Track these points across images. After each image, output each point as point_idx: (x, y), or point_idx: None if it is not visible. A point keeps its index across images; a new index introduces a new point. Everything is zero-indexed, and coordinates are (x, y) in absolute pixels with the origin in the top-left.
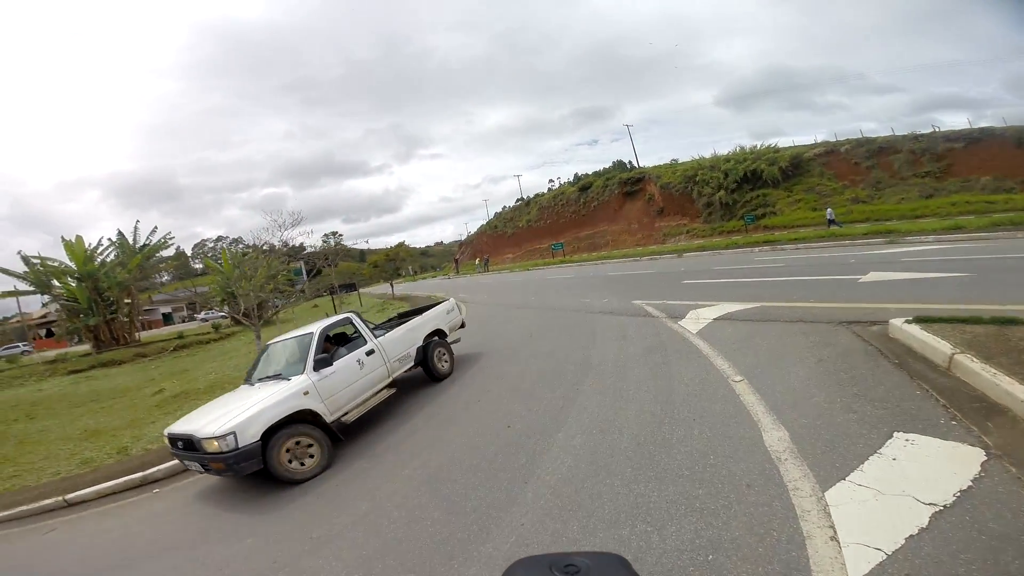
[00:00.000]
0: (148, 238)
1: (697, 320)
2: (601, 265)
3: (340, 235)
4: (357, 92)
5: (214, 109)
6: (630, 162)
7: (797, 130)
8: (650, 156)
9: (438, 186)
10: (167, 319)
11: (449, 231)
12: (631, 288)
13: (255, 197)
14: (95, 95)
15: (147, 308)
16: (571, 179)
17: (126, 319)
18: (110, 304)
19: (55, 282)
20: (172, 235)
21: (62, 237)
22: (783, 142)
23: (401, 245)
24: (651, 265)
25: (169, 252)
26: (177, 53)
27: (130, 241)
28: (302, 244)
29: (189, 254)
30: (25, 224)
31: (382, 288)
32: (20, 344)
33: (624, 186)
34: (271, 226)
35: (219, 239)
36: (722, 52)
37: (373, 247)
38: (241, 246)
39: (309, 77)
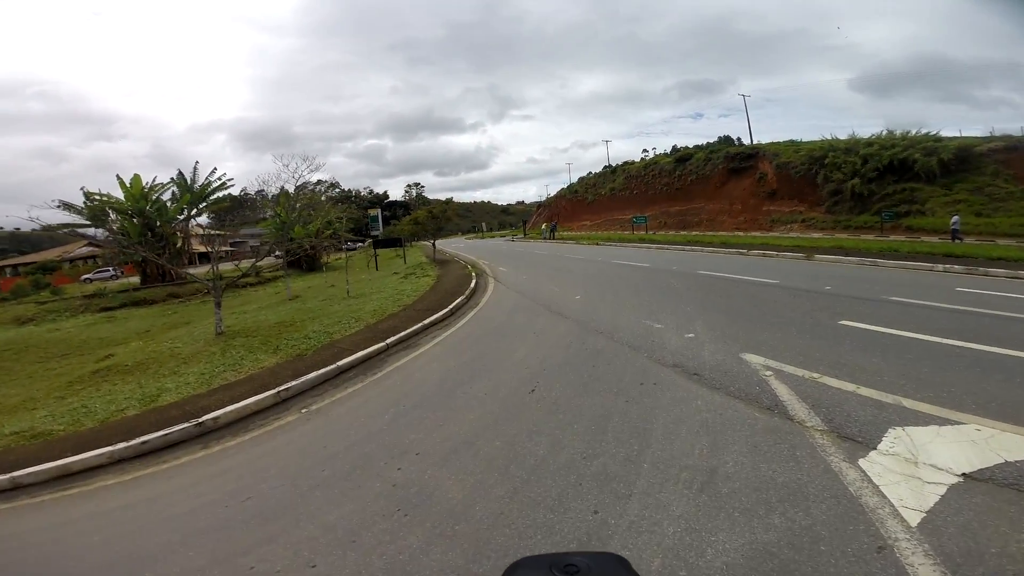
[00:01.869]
0: (208, 178)
1: (913, 470)
2: (691, 252)
3: (422, 186)
4: (457, 52)
5: (329, 65)
6: (739, 139)
7: (948, 124)
8: (762, 135)
9: (526, 147)
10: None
11: (532, 192)
12: (736, 314)
13: (359, 147)
14: (228, 48)
15: (236, 241)
16: (667, 151)
17: (174, 255)
18: (160, 240)
19: (112, 216)
20: (231, 177)
21: (117, 176)
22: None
23: (449, 201)
24: (765, 267)
25: (228, 192)
26: (296, 15)
27: (188, 181)
28: (385, 192)
29: (292, 194)
30: (164, 161)
31: (442, 241)
32: (111, 269)
33: (731, 161)
34: (284, 173)
35: (319, 183)
36: (860, 34)
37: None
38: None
39: (413, 37)
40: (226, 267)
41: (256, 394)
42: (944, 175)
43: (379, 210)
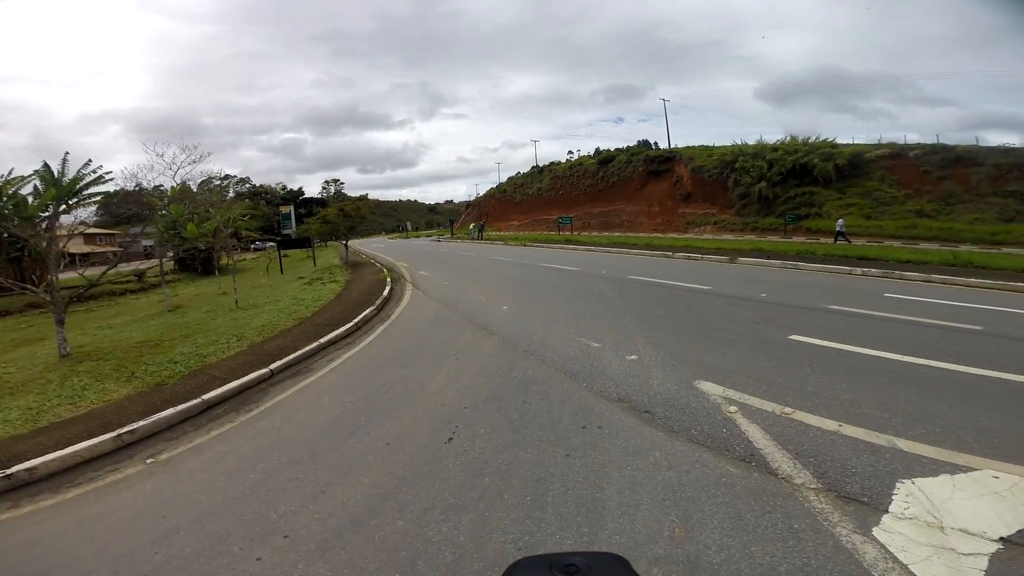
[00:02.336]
0: (81, 171)
1: (942, 538)
2: (618, 255)
3: (341, 183)
4: (388, 47)
5: (243, 54)
6: (655, 143)
7: (834, 133)
8: (679, 140)
9: (456, 146)
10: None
11: (461, 191)
12: (679, 328)
13: (274, 141)
14: (125, 32)
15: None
16: (591, 153)
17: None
18: (13, 242)
19: None
20: (110, 171)
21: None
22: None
23: (363, 199)
24: (694, 271)
25: (104, 188)
26: (211, 1)
27: (57, 174)
28: (300, 188)
29: (195, 190)
30: (46, 154)
31: (361, 241)
32: None
33: (650, 164)
34: (159, 166)
35: (226, 177)
36: (767, 46)
37: (381, 199)
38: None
39: (341, 29)
40: (94, 273)
41: (92, 437)
42: (839, 179)
43: (292, 207)
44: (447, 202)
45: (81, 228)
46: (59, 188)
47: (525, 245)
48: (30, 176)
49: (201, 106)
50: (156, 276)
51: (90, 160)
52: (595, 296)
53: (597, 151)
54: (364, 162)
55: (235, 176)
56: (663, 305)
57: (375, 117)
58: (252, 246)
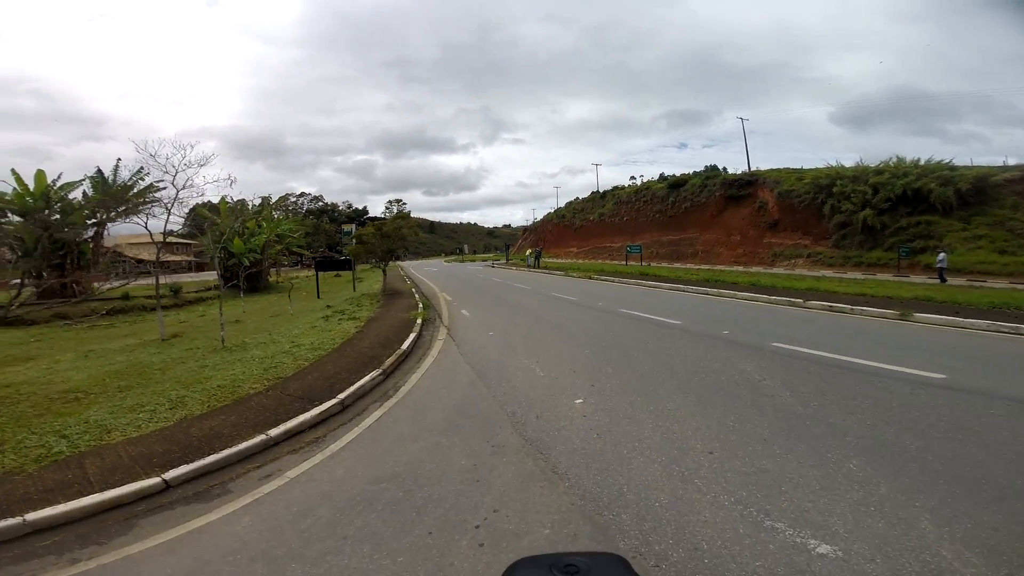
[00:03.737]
0: (134, 179)
1: None
2: (721, 299)
3: (404, 203)
4: (451, 73)
5: (324, 78)
6: (724, 168)
7: (918, 157)
8: (743, 165)
9: (515, 171)
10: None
11: (519, 215)
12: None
13: (348, 162)
14: (226, 57)
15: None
16: (654, 177)
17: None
18: (60, 247)
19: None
20: (161, 180)
21: (12, 170)
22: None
23: (405, 217)
24: (881, 336)
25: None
26: (296, 27)
27: (111, 180)
28: (365, 208)
29: (272, 203)
30: (149, 165)
31: (415, 263)
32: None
33: (728, 188)
34: (149, 162)
35: (302, 195)
36: (838, 67)
37: (444, 221)
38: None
39: (408, 56)
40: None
41: None
42: (961, 207)
43: (354, 225)
44: (505, 226)
45: (159, 237)
46: (109, 194)
47: (591, 278)
48: (79, 181)
49: (286, 127)
50: (193, 292)
51: (142, 167)
52: (741, 387)
53: (662, 176)
54: (429, 184)
55: (310, 194)
56: (916, 430)
57: (440, 141)
58: (312, 262)
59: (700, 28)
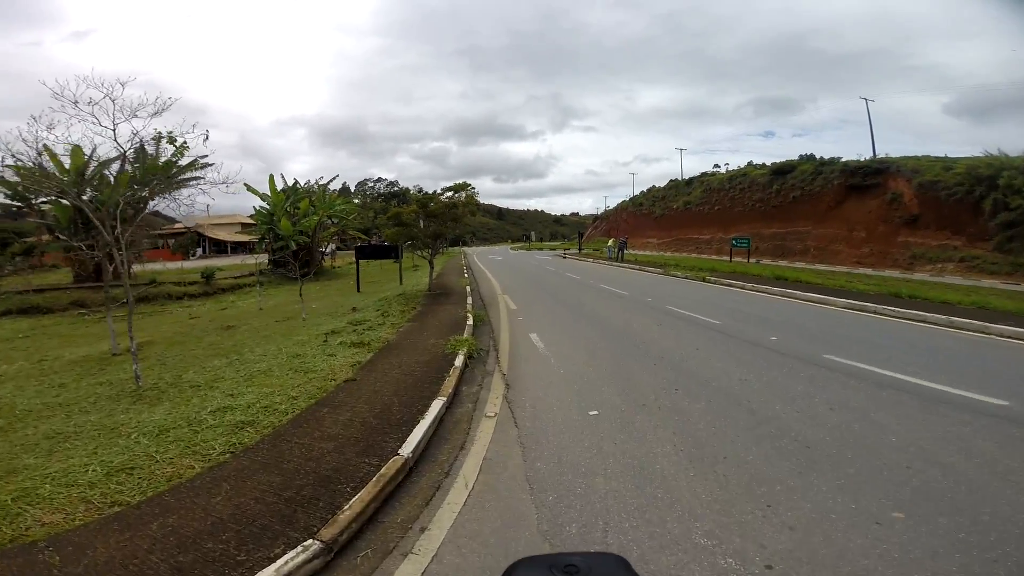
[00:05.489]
0: (176, 156)
1: None
2: (911, 323)
3: (473, 187)
4: (518, 60)
5: (401, 67)
6: (820, 157)
7: None
8: (844, 155)
9: (585, 158)
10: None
11: (587, 203)
12: None
13: (425, 149)
14: (314, 49)
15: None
16: (740, 166)
17: (120, 250)
18: (89, 227)
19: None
20: (206, 154)
21: (44, 146)
22: None
23: (464, 186)
24: None
25: (199, 174)
26: (374, 16)
27: (154, 155)
28: (435, 191)
29: (352, 190)
30: (247, 152)
31: (481, 250)
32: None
33: (849, 177)
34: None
35: (378, 180)
36: (948, 55)
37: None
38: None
39: (478, 44)
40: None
41: None
42: None
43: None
44: (572, 214)
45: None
46: (145, 169)
47: (706, 280)
48: (117, 157)
49: (368, 115)
50: (233, 278)
51: (185, 141)
52: None
53: (750, 164)
54: (499, 171)
55: (386, 179)
56: None
57: (510, 128)
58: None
59: (787, 13)
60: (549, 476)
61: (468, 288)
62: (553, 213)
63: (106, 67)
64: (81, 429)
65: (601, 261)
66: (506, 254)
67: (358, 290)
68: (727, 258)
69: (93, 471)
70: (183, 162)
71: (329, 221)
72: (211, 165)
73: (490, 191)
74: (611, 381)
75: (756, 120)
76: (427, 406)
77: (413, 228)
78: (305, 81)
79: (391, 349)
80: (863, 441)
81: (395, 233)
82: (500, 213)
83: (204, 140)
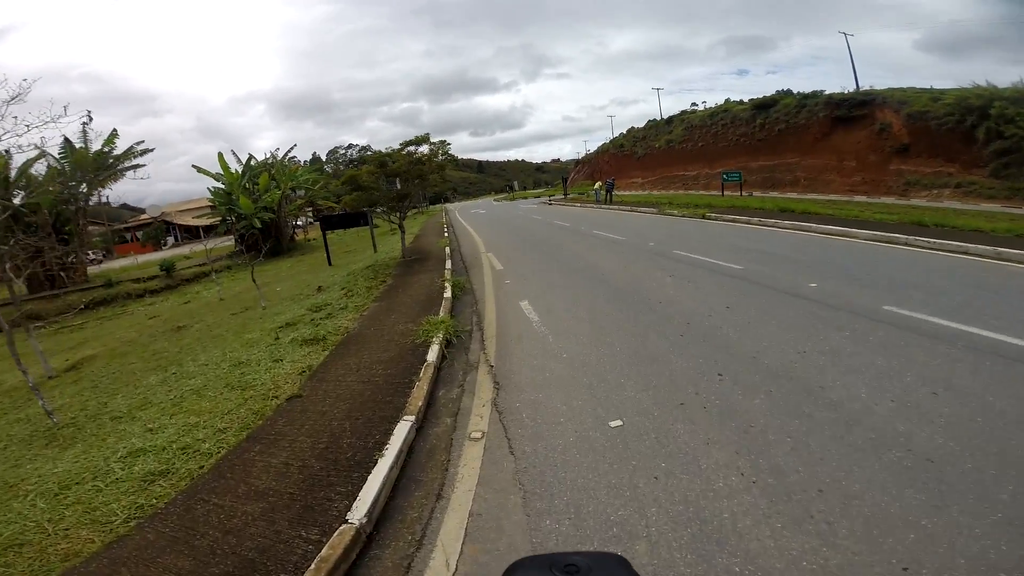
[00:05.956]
0: (107, 145)
1: None
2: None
3: (448, 143)
4: (482, 14)
5: (358, 32)
6: (800, 92)
7: None
8: (819, 89)
9: (561, 105)
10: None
11: (567, 149)
12: None
13: (395, 111)
14: (259, 21)
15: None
16: (718, 104)
17: (60, 255)
18: (32, 232)
19: None
20: (142, 140)
21: None
22: None
23: (428, 141)
24: None
25: (140, 161)
26: None
27: (81, 148)
28: (409, 151)
29: (323, 159)
30: (208, 134)
31: (462, 205)
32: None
33: (835, 109)
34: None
35: (350, 147)
36: None
37: (491, 159)
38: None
39: (437, 2)
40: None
41: None
42: None
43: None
44: (554, 161)
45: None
46: (80, 163)
47: (706, 217)
48: (39, 155)
49: (329, 83)
50: (196, 266)
51: (115, 129)
52: None
53: (728, 101)
54: (475, 126)
55: (358, 145)
56: None
57: (482, 82)
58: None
59: None
60: (566, 545)
61: (447, 250)
62: (534, 162)
63: (36, 63)
64: None
65: (589, 205)
66: (489, 207)
67: (329, 263)
68: (717, 192)
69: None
70: (118, 151)
71: (294, 194)
72: (151, 151)
73: (468, 146)
74: (631, 367)
75: (729, 60)
76: (389, 432)
77: (374, 192)
78: (255, 56)
79: (350, 344)
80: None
81: (355, 199)
82: (480, 166)
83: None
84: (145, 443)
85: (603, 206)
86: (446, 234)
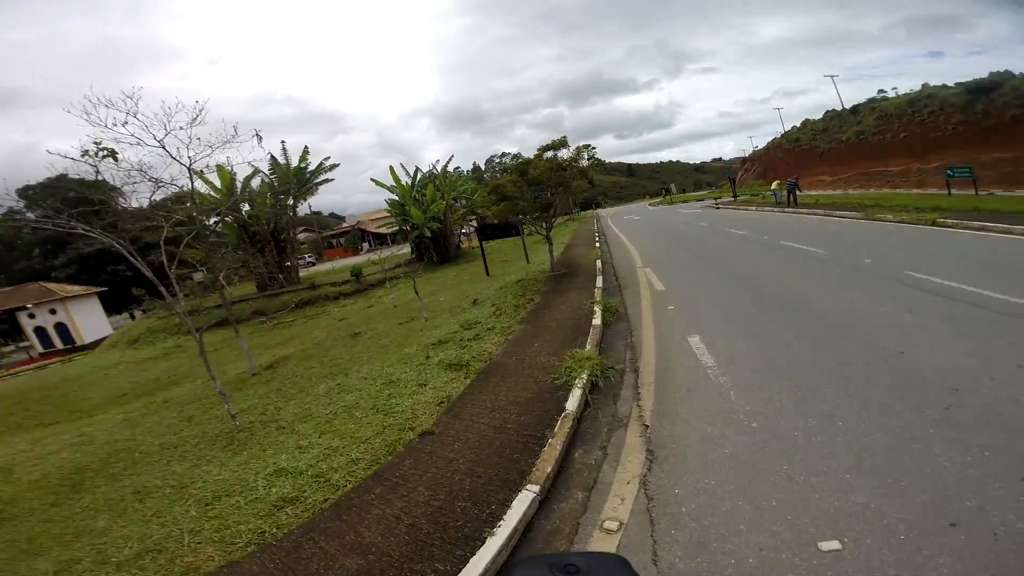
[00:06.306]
0: (303, 162)
1: None
2: None
3: (593, 147)
4: (608, 14)
5: (492, 42)
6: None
7: None
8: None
9: (714, 101)
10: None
11: (729, 147)
12: None
13: (537, 118)
14: (412, 36)
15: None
16: (914, 89)
17: (278, 258)
18: (255, 239)
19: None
20: (327, 156)
21: (189, 169)
22: None
23: (558, 146)
24: None
25: (329, 176)
26: None
27: (285, 165)
28: (554, 156)
29: (483, 168)
30: (387, 148)
31: (615, 211)
32: (308, 257)
33: None
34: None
35: (503, 155)
36: None
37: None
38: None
39: (557, 6)
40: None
41: None
42: None
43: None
44: (715, 160)
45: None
46: (283, 179)
47: (937, 223)
48: (256, 172)
49: (478, 94)
50: (378, 273)
51: (306, 146)
52: None
53: (925, 86)
54: (619, 128)
55: (510, 153)
56: None
57: (619, 82)
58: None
59: None
60: None
61: (598, 263)
62: (691, 162)
63: (241, 90)
64: (164, 483)
65: (767, 208)
66: (644, 212)
67: (487, 274)
68: (936, 191)
69: (130, 548)
70: (312, 167)
71: (456, 203)
72: (336, 166)
73: (614, 149)
74: (860, 453)
75: (914, 41)
76: (507, 504)
77: (519, 201)
78: (415, 73)
79: (491, 374)
80: None
81: (502, 209)
82: (630, 169)
83: (259, 140)
84: (290, 463)
85: (786, 209)
86: (597, 244)
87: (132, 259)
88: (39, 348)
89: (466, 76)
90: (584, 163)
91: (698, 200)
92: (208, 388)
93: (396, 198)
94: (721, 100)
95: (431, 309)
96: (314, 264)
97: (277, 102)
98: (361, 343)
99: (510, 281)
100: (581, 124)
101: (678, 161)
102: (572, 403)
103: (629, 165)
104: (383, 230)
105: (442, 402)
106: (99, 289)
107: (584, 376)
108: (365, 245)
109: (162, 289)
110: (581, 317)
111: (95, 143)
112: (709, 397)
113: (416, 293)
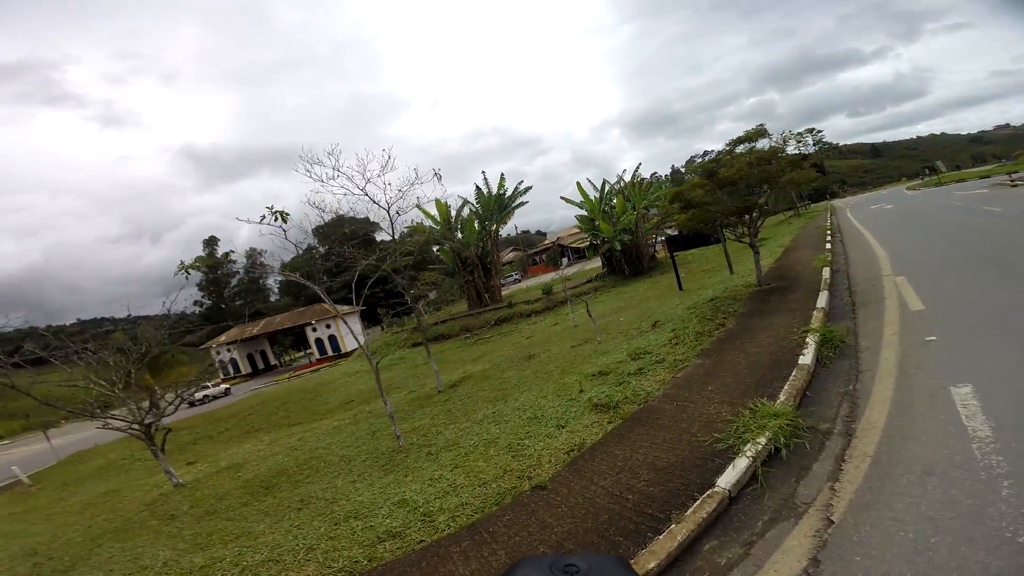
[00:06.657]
0: (501, 188)
1: None
2: None
3: (820, 131)
4: None
5: (668, 40)
6: None
7: None
8: None
9: (976, 61)
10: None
11: (1017, 111)
12: None
13: (742, 108)
14: (584, 55)
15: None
16: None
17: (484, 279)
18: (466, 263)
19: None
20: (521, 180)
21: (417, 205)
22: None
23: (755, 137)
24: None
25: (524, 199)
26: (608, 7)
27: (487, 194)
28: (768, 148)
29: (683, 170)
30: (581, 163)
31: (860, 200)
32: (514, 274)
33: None
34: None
35: (705, 153)
36: None
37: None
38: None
39: None
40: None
41: None
42: None
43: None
44: (999, 127)
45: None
46: (487, 207)
47: None
48: (465, 202)
49: (664, 96)
50: (572, 287)
51: (502, 173)
52: None
53: None
54: (851, 105)
55: (713, 150)
56: None
57: (838, 56)
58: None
59: None
60: None
61: (825, 272)
62: (962, 132)
63: (457, 127)
64: (322, 496)
65: None
66: (899, 198)
67: (679, 288)
68: None
69: (261, 554)
70: (509, 192)
71: (648, 212)
72: (530, 188)
73: (848, 129)
74: None
75: None
76: None
77: (709, 207)
78: (595, 87)
79: (639, 422)
80: None
81: (689, 218)
82: (875, 150)
83: (439, 179)
84: (414, 495)
85: None
86: (828, 245)
87: (398, 283)
88: (316, 355)
89: (646, 81)
90: (791, 151)
91: (981, 178)
92: (403, 401)
93: (585, 213)
94: (987, 58)
95: (608, 331)
96: (519, 281)
97: (486, 134)
98: (531, 366)
99: (702, 298)
100: (799, 107)
101: (943, 133)
102: (727, 479)
103: (873, 145)
104: (578, 244)
105: (572, 450)
106: (360, 307)
107: (761, 441)
108: (564, 260)
109: (416, 307)
110: (784, 352)
111: (276, 211)
112: (963, 489)
113: (589, 315)
